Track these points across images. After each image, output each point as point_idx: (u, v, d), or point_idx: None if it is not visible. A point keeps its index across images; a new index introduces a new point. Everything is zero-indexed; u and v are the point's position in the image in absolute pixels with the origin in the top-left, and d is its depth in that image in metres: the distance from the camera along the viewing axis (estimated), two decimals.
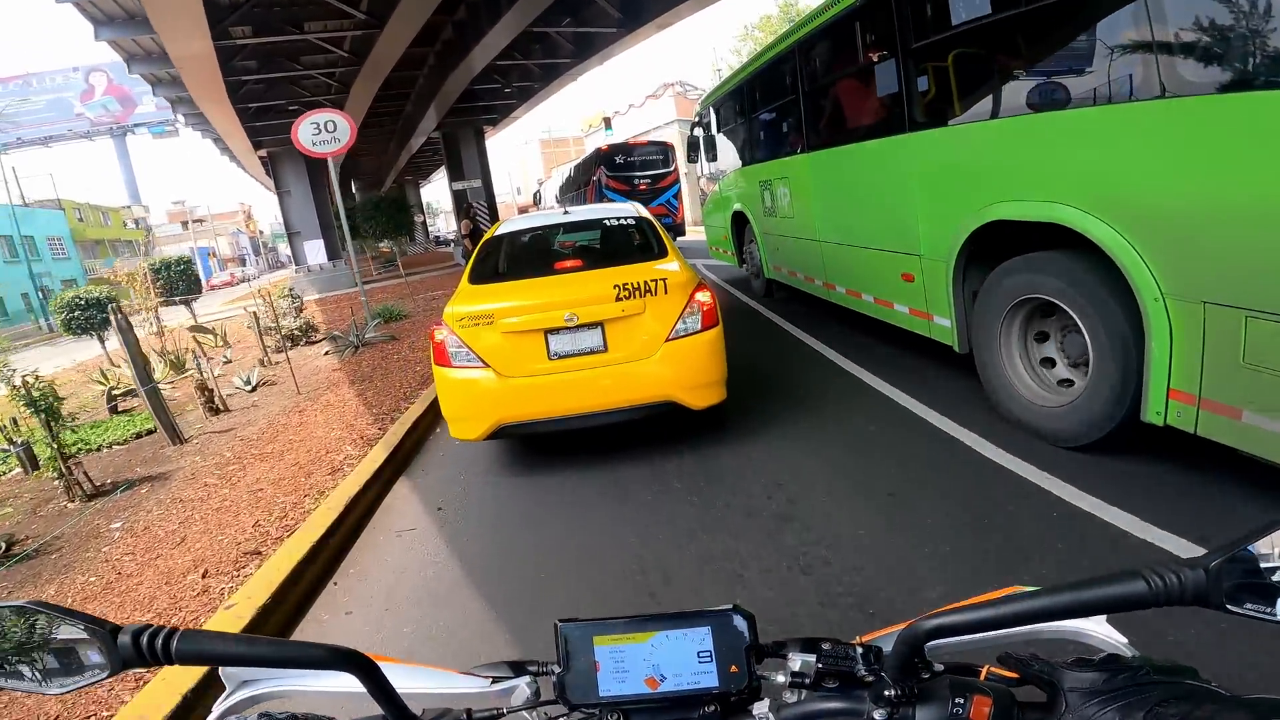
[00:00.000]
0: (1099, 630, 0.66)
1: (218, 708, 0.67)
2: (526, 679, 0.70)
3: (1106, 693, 0.52)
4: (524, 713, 0.69)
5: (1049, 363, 3.25)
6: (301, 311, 8.90)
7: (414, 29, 11.63)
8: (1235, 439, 2.30)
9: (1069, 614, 0.49)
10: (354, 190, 33.96)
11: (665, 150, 18.22)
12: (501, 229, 4.36)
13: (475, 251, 4.17)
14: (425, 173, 42.53)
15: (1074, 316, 2.86)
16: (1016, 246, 3.18)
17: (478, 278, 3.86)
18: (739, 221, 7.74)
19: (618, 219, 4.40)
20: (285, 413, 5.38)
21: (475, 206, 11.97)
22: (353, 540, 3.27)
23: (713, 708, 0.64)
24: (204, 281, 49.66)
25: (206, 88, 13.40)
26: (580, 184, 21.19)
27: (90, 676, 0.54)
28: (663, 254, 3.84)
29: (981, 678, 0.60)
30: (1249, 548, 0.46)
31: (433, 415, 4.85)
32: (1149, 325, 2.47)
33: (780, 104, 5.84)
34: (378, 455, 4.00)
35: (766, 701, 0.64)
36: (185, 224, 56.05)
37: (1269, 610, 0.46)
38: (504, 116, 23.41)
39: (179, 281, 14.79)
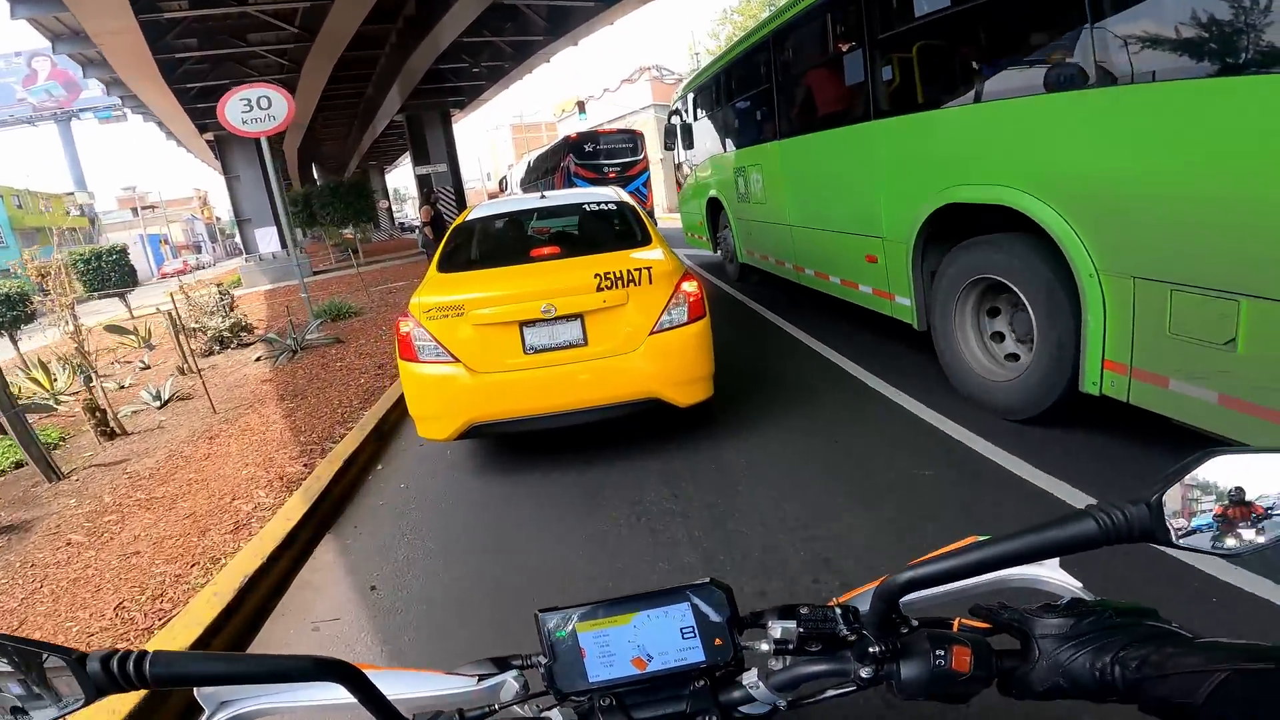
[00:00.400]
0: (1055, 576, 0.69)
1: None
2: (513, 673, 0.70)
3: (1075, 637, 0.53)
4: (516, 707, 0.69)
5: (999, 337, 3.45)
6: (233, 309, 7.81)
7: (368, 3, 10.79)
8: (1163, 406, 2.48)
9: (1030, 557, 0.50)
10: (315, 176, 32.40)
11: (634, 138, 18.46)
12: (473, 214, 4.13)
13: (445, 238, 3.92)
14: (391, 158, 41.08)
15: (1020, 294, 3.06)
16: (972, 229, 3.35)
17: (447, 266, 3.60)
18: (714, 208, 7.90)
19: (598, 204, 4.14)
20: (193, 439, 4.48)
21: (438, 192, 10.90)
22: (249, 635, 2.45)
23: (702, 682, 0.65)
24: (155, 270, 47.71)
25: (136, 67, 12.25)
26: (546, 171, 21.00)
27: (64, 708, 0.52)
28: (646, 241, 3.61)
29: (955, 629, 0.60)
30: (1189, 479, 0.47)
31: (373, 447, 4.07)
32: (1085, 300, 2.66)
33: (753, 93, 6.02)
34: (295, 507, 3.13)
35: (754, 671, 0.65)
36: (136, 210, 53.13)
37: (1215, 543, 0.47)
38: (473, 99, 22.29)
39: (111, 273, 13.39)
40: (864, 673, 0.59)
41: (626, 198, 4.15)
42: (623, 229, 3.89)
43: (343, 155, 33.15)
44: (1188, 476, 0.48)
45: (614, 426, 3.55)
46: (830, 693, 0.65)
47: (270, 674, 0.56)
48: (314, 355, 6.50)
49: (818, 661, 0.63)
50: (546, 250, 3.67)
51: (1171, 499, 0.48)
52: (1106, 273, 2.60)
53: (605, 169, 17.22)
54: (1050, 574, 0.70)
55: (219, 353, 7.31)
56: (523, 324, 3.17)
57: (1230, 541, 0.48)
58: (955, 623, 0.62)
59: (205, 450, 4.16)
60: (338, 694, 0.58)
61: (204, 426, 4.67)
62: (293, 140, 22.25)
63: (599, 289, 3.16)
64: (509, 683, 0.70)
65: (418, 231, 11.94)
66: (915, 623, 0.61)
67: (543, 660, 0.66)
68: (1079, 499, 2.47)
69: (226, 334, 7.30)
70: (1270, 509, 0.47)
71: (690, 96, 8.09)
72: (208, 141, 19.85)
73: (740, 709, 0.66)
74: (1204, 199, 2.20)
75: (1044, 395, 3.03)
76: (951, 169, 3.39)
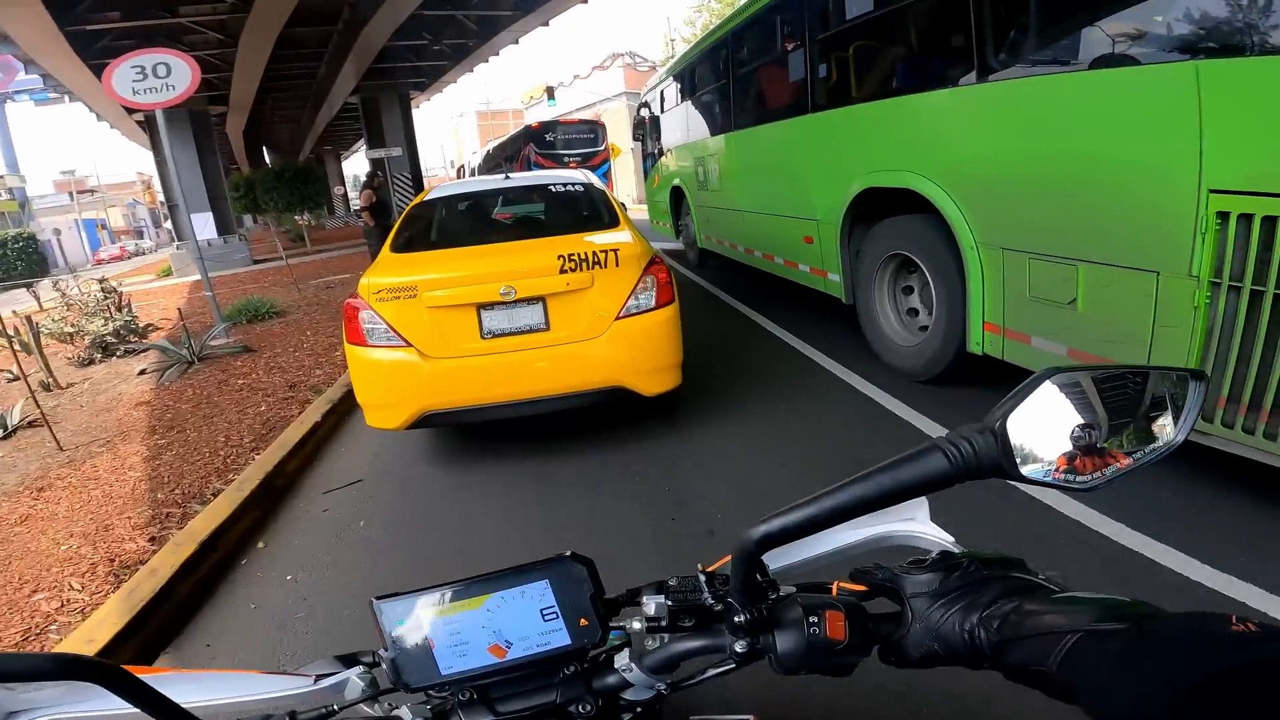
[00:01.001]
0: (928, 531, 0.68)
1: None
2: (358, 670, 0.64)
3: (944, 594, 0.51)
4: (363, 706, 0.63)
5: (914, 313, 3.89)
6: (120, 308, 6.59)
7: None
8: (1029, 361, 2.90)
9: (885, 499, 0.47)
10: (267, 161, 30.60)
11: (595, 129, 18.98)
12: (432, 194, 4.10)
13: (401, 218, 3.89)
14: (348, 143, 39.48)
15: (922, 266, 3.57)
16: (889, 211, 3.77)
17: (401, 246, 3.51)
18: (677, 196, 8.44)
19: (564, 185, 4.08)
20: (19, 490, 3.55)
21: (381, 176, 9.71)
22: None
23: (572, 668, 0.60)
24: (90, 255, 45.01)
25: (43, 41, 11.04)
26: (506, 160, 21.04)
27: None
28: (614, 224, 3.57)
29: (834, 595, 0.58)
30: (1030, 402, 0.45)
31: (257, 512, 3.19)
32: (968, 270, 3.14)
33: (711, 88, 6.60)
34: (106, 620, 2.27)
35: (626, 652, 0.60)
36: (72, 194, 50.24)
37: (1064, 476, 0.46)
38: (434, 80, 21.15)
39: (18, 261, 11.95)
40: (739, 647, 0.55)
41: (595, 179, 4.11)
42: (589, 211, 3.79)
43: (296, 140, 31.45)
44: (1028, 399, 0.45)
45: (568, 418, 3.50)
46: (711, 671, 0.59)
47: (11, 674, 0.48)
48: (214, 368, 5.43)
49: (691, 638, 0.58)
50: (507, 231, 3.59)
51: (1015, 427, 0.45)
52: (983, 245, 3.06)
53: (566, 159, 17.37)
54: (923, 528, 0.68)
55: (101, 361, 6.10)
56: (480, 307, 3.06)
57: (1080, 475, 0.46)
58: (834, 588, 0.59)
59: (26, 508, 3.30)
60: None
61: (39, 471, 3.73)
62: (236, 122, 20.82)
63: (562, 271, 3.06)
64: (352, 680, 0.64)
65: (360, 219, 10.74)
66: (792, 588, 0.58)
67: (384, 654, 0.58)
68: None
69: (111, 339, 6.07)
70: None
71: (658, 90, 8.61)
72: (138, 122, 18.70)
73: (623, 696, 0.60)
74: (1049, 180, 2.68)
75: (942, 357, 3.52)
76: (870, 157, 3.88)
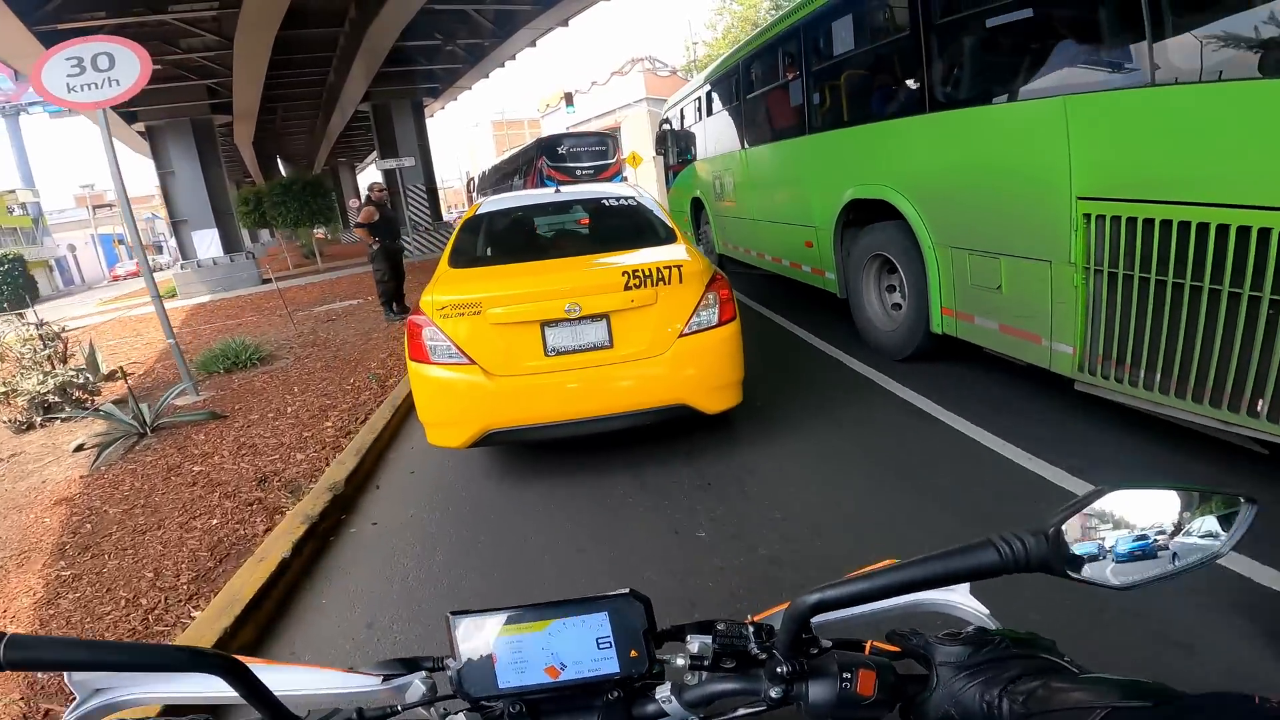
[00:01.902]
0: (965, 603, 0.72)
1: (66, 718, 0.64)
2: (421, 675, 0.70)
3: (971, 667, 0.55)
4: (421, 709, 0.69)
5: (897, 307, 4.64)
6: (66, 359, 5.39)
7: None
8: (975, 337, 3.73)
9: (935, 582, 0.53)
10: (283, 173, 29.83)
11: (607, 140, 19.32)
12: (484, 207, 4.16)
13: (455, 232, 3.91)
14: (362, 154, 39.05)
15: (896, 263, 4.37)
16: (874, 218, 4.54)
17: (459, 261, 3.56)
18: (697, 206, 9.24)
19: (617, 199, 4.12)
20: None
21: (384, 189, 8.26)
22: None
23: (616, 694, 0.66)
24: (107, 271, 44.70)
25: (14, 45, 9.83)
26: (513, 173, 21.51)
27: None
28: (671, 239, 3.62)
29: (866, 652, 0.63)
30: (1087, 512, 0.51)
31: None
32: (928, 264, 3.98)
33: (726, 110, 7.57)
34: None
35: (669, 685, 0.66)
36: (93, 209, 50.27)
37: (1109, 576, 0.51)
38: (448, 85, 20.26)
39: (4, 285, 10.90)
40: (774, 692, 0.60)
41: (645, 194, 4.18)
42: (645, 226, 3.82)
43: (311, 151, 30.61)
44: (1086, 510, 0.51)
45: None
46: (742, 711, 0.66)
47: (138, 663, 0.55)
48: (168, 444, 4.32)
49: (730, 679, 0.64)
50: (568, 247, 3.75)
51: (1069, 530, 0.51)
52: (937, 245, 3.89)
53: (579, 171, 17.81)
54: (962, 600, 0.73)
55: (43, 425, 4.90)
56: (544, 324, 3.10)
57: (1123, 576, 0.51)
58: (867, 645, 0.65)
59: None
60: (218, 686, 0.56)
61: None
62: (244, 132, 20.04)
63: (626, 287, 3.09)
64: (415, 684, 0.70)
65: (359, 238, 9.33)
66: (829, 643, 0.63)
67: (452, 663, 0.65)
68: (929, 405, 3.77)
69: (54, 397, 4.85)
70: (1160, 544, 0.51)
71: (679, 108, 9.54)
72: (139, 132, 17.89)
73: None
74: (976, 191, 3.53)
75: (913, 338, 4.33)
76: (855, 173, 4.74)
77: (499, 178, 24.18)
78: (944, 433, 3.44)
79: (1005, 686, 0.52)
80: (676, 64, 33.83)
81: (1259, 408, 2.30)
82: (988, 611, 0.70)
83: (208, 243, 17.37)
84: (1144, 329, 2.66)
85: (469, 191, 35.03)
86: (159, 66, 15.21)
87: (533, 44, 19.70)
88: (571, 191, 4.34)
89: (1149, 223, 2.55)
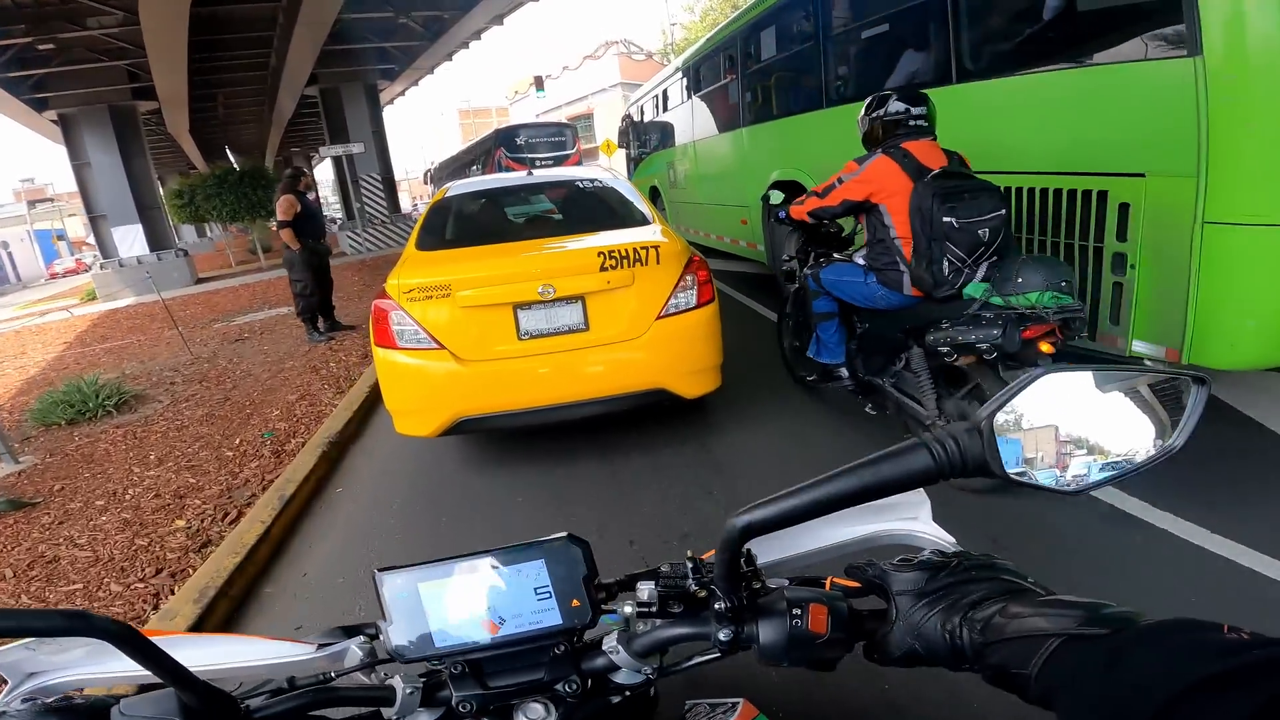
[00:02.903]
0: (929, 530, 0.70)
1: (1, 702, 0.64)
2: (359, 639, 0.68)
3: (930, 593, 0.53)
4: (359, 674, 0.67)
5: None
6: None
7: None
8: None
9: (867, 494, 0.50)
10: (234, 164, 27.75)
11: (566, 131, 19.73)
12: (453, 190, 4.17)
13: (424, 214, 3.93)
14: (314, 143, 36.80)
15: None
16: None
17: (427, 244, 3.55)
18: (654, 194, 10.14)
19: (590, 181, 4.24)
20: None
21: (309, 175, 6.50)
22: None
23: (562, 648, 0.64)
24: (45, 268, 42.02)
25: None
26: (471, 164, 21.66)
27: None
28: (646, 221, 3.66)
29: (826, 590, 0.61)
30: (1020, 400, 0.48)
31: None
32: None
33: (677, 107, 8.70)
34: None
35: (614, 635, 0.64)
36: (32, 204, 47.65)
37: (1050, 478, 0.48)
38: (405, 67, 19.01)
39: None
40: (723, 635, 0.58)
41: (619, 176, 4.35)
42: (620, 208, 3.88)
43: (262, 141, 28.68)
44: (1019, 398, 0.47)
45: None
46: (696, 659, 0.65)
47: (18, 629, 0.53)
48: None
49: (678, 624, 0.62)
50: (542, 228, 3.74)
51: (1002, 425, 0.47)
52: None
53: (538, 162, 17.74)
54: (924, 528, 0.70)
55: None
56: (517, 306, 3.08)
57: (1069, 477, 0.48)
58: (828, 582, 0.63)
59: None
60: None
61: None
62: (178, 119, 18.46)
63: (602, 268, 3.08)
64: (352, 650, 0.67)
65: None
66: (784, 582, 0.62)
67: (383, 625, 0.63)
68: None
69: None
70: (1105, 438, 0.48)
71: (639, 105, 10.64)
72: (51, 121, 17.09)
73: (613, 679, 0.66)
74: None
75: None
76: (777, 159, 5.80)
77: (456, 168, 24.45)
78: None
79: (965, 613, 0.50)
80: (653, 48, 32.40)
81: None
82: (952, 539, 0.68)
83: (130, 240, 16.00)
84: None
85: (426, 183, 35.33)
86: (66, 49, 13.48)
87: (499, 21, 18.48)
88: (546, 174, 4.44)
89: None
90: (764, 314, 6.06)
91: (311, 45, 15.09)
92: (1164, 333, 2.65)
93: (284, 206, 6.58)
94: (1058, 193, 3.03)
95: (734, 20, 6.56)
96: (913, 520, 0.69)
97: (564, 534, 0.62)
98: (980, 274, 2.60)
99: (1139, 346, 2.76)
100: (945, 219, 2.56)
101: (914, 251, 2.72)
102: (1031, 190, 3.16)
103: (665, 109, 9.21)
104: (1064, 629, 0.42)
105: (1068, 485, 0.47)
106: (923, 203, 2.61)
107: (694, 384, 3.25)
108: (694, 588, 0.60)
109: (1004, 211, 2.61)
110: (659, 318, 3.13)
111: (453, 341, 3.04)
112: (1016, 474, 0.46)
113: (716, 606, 0.57)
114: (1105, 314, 2.90)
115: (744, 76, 6.31)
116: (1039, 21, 3.21)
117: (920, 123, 2.87)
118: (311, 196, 7.24)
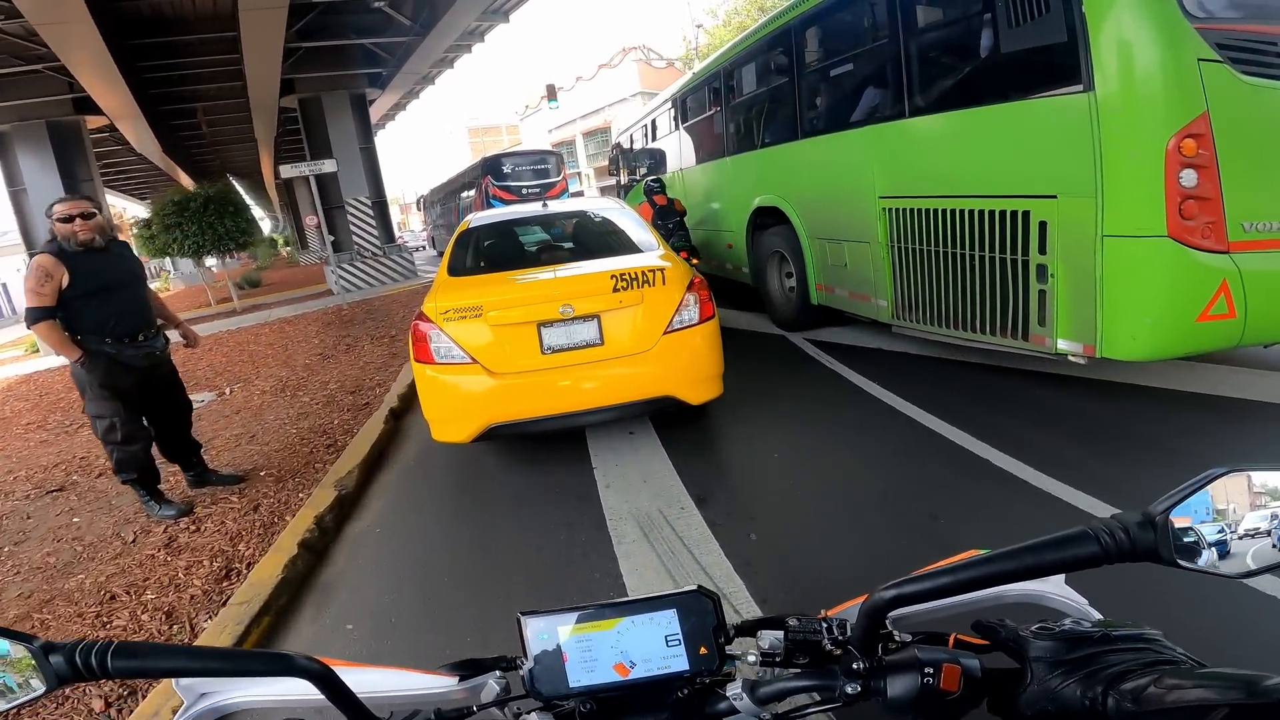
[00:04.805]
0: (1059, 592, 0.73)
1: None
2: (495, 675, 0.77)
3: (1069, 662, 0.56)
4: (494, 709, 0.75)
5: (793, 290, 6.83)
6: None
7: None
8: (837, 304, 5.92)
9: (1027, 575, 0.54)
10: (237, 187, 25.87)
11: (549, 158, 20.38)
12: (474, 221, 4.96)
13: (450, 243, 4.57)
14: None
15: (788, 256, 6.78)
16: (773, 222, 6.93)
17: (458, 270, 4.35)
18: None
19: (601, 211, 5.16)
20: None
21: (98, 212, 3.08)
22: None
23: (685, 691, 0.71)
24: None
25: None
26: (458, 192, 22.48)
27: (24, 694, 0.55)
28: (652, 247, 4.44)
29: (950, 646, 0.66)
30: (1192, 500, 0.52)
31: None
32: (805, 252, 6.29)
33: (664, 137, 10.17)
34: None
35: (739, 682, 0.70)
36: None
37: (1221, 565, 0.51)
38: (396, 70, 16.32)
39: None
40: (850, 689, 0.63)
41: (626, 207, 5.18)
42: (629, 235, 4.64)
43: (257, 162, 26.83)
44: (1194, 495, 0.51)
45: None
46: (816, 708, 0.69)
47: (235, 669, 0.60)
48: None
49: (804, 676, 0.67)
50: (559, 254, 4.41)
51: (1177, 518, 0.51)
52: (810, 237, 6.15)
53: (525, 190, 18.81)
54: (1055, 590, 0.74)
55: None
56: (541, 324, 3.72)
57: (1236, 564, 0.51)
58: (950, 639, 0.67)
59: None
60: (311, 689, 0.63)
61: None
62: (140, 137, 16.44)
63: (615, 290, 3.70)
64: (489, 684, 0.76)
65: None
66: (909, 637, 0.67)
67: (523, 663, 0.71)
68: (815, 351, 5.62)
69: None
70: (1275, 528, 0.53)
71: (629, 134, 12.20)
72: None
73: None
74: (825, 196, 5.67)
75: (802, 311, 6.51)
76: (758, 187, 6.97)
77: (444, 195, 25.93)
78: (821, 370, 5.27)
79: (1110, 683, 0.52)
80: (673, 54, 30.05)
81: (1003, 332, 3.93)
82: (1084, 601, 0.71)
83: None
84: (927, 284, 4.50)
85: (419, 209, 35.74)
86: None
87: (504, 17, 15.90)
88: (559, 205, 5.24)
89: (916, 211, 4.49)
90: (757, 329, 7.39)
91: (270, 35, 12.68)
92: (1081, 331, 3.38)
93: (35, 278, 3.26)
94: (991, 214, 3.87)
95: (718, 59, 7.93)
96: (1043, 581, 0.74)
97: (695, 587, 0.69)
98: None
99: (1063, 344, 3.52)
100: None
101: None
102: (969, 211, 4.05)
103: (654, 138, 10.67)
104: (1230, 700, 0.43)
105: (1234, 573, 0.51)
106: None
107: (699, 391, 3.89)
108: (829, 647, 0.66)
109: None
110: (666, 332, 3.73)
111: (484, 356, 3.63)
112: (1187, 564, 0.50)
113: (854, 665, 0.62)
114: (1034, 317, 3.71)
115: (726, 109, 7.68)
116: (973, 60, 4.01)
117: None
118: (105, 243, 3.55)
